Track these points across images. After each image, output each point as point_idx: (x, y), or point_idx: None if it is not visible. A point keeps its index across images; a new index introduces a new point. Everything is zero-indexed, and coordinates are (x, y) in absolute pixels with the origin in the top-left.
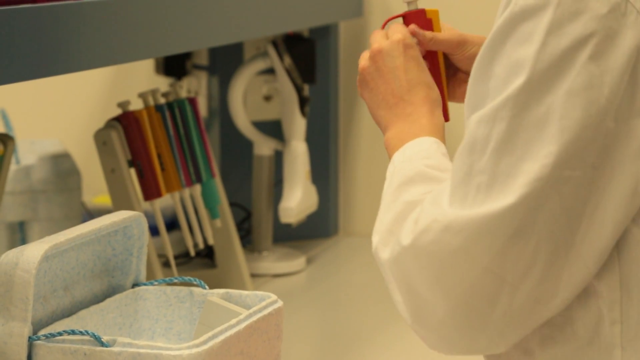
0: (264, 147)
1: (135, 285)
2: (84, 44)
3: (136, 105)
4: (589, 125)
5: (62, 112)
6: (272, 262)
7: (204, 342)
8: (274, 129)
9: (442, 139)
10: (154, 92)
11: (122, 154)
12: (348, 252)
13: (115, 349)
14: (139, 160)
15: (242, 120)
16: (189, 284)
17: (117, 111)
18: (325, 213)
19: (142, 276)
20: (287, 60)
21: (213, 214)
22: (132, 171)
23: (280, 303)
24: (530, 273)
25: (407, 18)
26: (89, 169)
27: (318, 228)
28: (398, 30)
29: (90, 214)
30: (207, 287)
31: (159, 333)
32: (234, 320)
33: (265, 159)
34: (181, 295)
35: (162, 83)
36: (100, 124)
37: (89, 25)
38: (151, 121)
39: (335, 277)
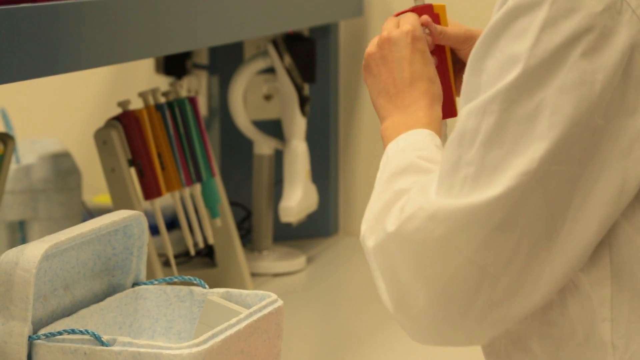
0: (264, 146)
1: (135, 284)
2: (84, 43)
3: (136, 104)
4: (579, 122)
5: (62, 111)
6: (272, 261)
7: (204, 342)
8: (274, 128)
9: (439, 133)
10: (154, 92)
11: (122, 153)
12: (348, 251)
13: (115, 348)
14: (139, 159)
15: (243, 119)
16: (189, 283)
17: (117, 110)
18: (326, 212)
19: (142, 275)
20: (287, 59)
21: (213, 213)
22: (132, 170)
23: (280, 302)
24: (511, 265)
25: (415, 13)
26: (89, 168)
27: (318, 227)
28: (409, 21)
29: (91, 213)
30: (207, 286)
31: (159, 332)
32: (234, 320)
33: (265, 158)
34: (181, 294)
35: (162, 82)
36: (101, 123)
37: (89, 25)
38: (151, 120)
39: (335, 277)
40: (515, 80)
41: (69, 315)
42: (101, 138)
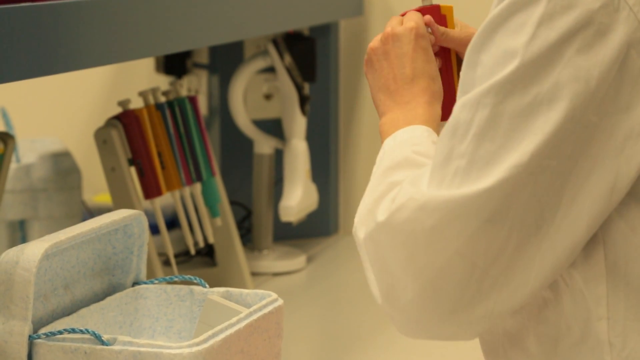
0: (264, 145)
1: (135, 283)
2: (84, 42)
3: (136, 103)
4: (572, 118)
5: (63, 110)
6: (272, 260)
7: (205, 341)
8: (274, 128)
9: (437, 130)
10: (154, 91)
11: (122, 153)
12: (348, 250)
13: (115, 347)
14: (139, 158)
15: (243, 118)
16: (189, 283)
17: (118, 110)
18: (326, 211)
19: (143, 275)
20: (288, 58)
21: (213, 212)
22: (133, 170)
23: (280, 301)
24: (500, 259)
25: (422, 13)
26: (89, 168)
27: (318, 226)
28: (413, 19)
29: (91, 213)
30: (207, 285)
31: (159, 332)
32: (234, 319)
33: (265, 157)
34: (181, 293)
35: (163, 81)
36: (101, 122)
37: (89, 24)
38: (151, 120)
39: (335, 276)
40: (511, 74)
41: (69, 314)
42: (101, 137)
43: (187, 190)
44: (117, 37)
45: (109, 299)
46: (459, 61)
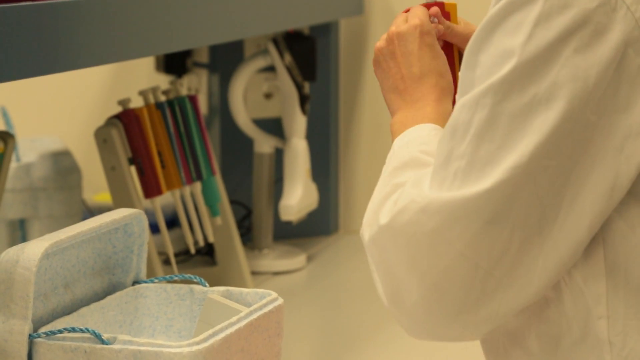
0: (264, 144)
1: (135, 282)
2: (85, 41)
3: (136, 103)
4: (571, 118)
5: (63, 109)
6: (272, 259)
7: (205, 340)
8: (274, 127)
9: None
10: (154, 90)
11: (122, 152)
12: (348, 249)
13: (115, 346)
14: (139, 157)
15: (243, 117)
16: (189, 282)
17: (118, 109)
18: (326, 211)
19: (143, 274)
20: (288, 57)
21: (213, 211)
22: (133, 169)
23: (280, 301)
24: (503, 260)
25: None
26: (89, 167)
27: (318, 226)
28: (417, 15)
29: (91, 212)
30: (207, 284)
31: (160, 331)
32: (234, 318)
33: (265, 156)
34: (181, 292)
35: (163, 81)
36: (101, 121)
37: (89, 23)
38: (151, 119)
39: (335, 275)
40: (508, 74)
41: (69, 313)
42: (101, 136)
43: (187, 190)
44: (117, 37)
45: (109, 298)
46: (461, 58)
